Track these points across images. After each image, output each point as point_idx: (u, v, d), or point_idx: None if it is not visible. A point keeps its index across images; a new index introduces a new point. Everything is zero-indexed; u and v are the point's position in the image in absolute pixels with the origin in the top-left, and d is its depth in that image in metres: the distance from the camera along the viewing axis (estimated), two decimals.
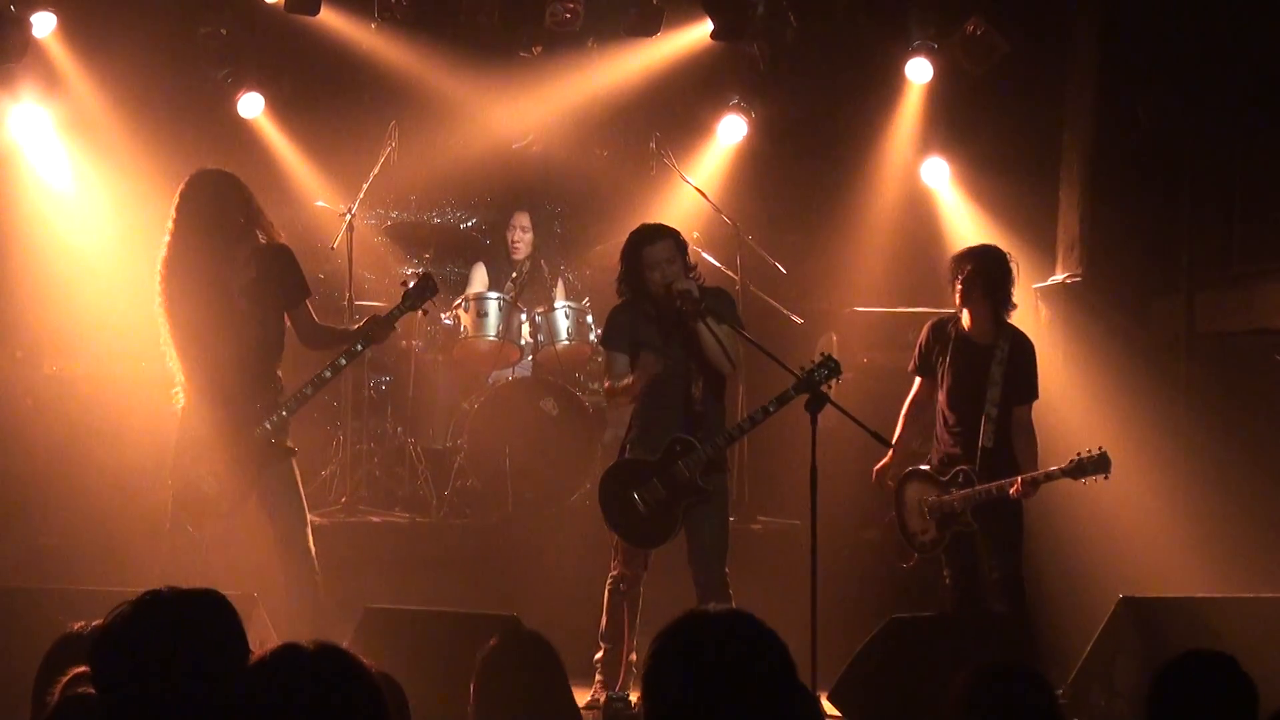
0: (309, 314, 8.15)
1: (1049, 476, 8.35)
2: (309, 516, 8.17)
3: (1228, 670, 4.18)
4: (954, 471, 8.54)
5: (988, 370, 8.54)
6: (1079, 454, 8.18)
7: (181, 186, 7.99)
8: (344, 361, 8.03)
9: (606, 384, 8.43)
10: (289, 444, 8.01)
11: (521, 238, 11.84)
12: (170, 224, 7.94)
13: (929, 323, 8.94)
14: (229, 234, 7.96)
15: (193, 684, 3.34)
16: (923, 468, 8.79)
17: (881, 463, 8.82)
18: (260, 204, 8.11)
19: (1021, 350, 8.66)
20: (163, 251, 7.94)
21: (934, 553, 8.69)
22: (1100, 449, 8.17)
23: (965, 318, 8.66)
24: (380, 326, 8.09)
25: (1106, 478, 8.23)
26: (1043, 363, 8.87)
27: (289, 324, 8.11)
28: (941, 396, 8.74)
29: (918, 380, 8.93)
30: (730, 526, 8.47)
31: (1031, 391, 8.68)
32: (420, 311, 8.35)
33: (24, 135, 10.46)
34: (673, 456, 8.03)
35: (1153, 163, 10.69)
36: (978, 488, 8.42)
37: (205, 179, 8.02)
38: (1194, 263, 10.64)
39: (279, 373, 8.09)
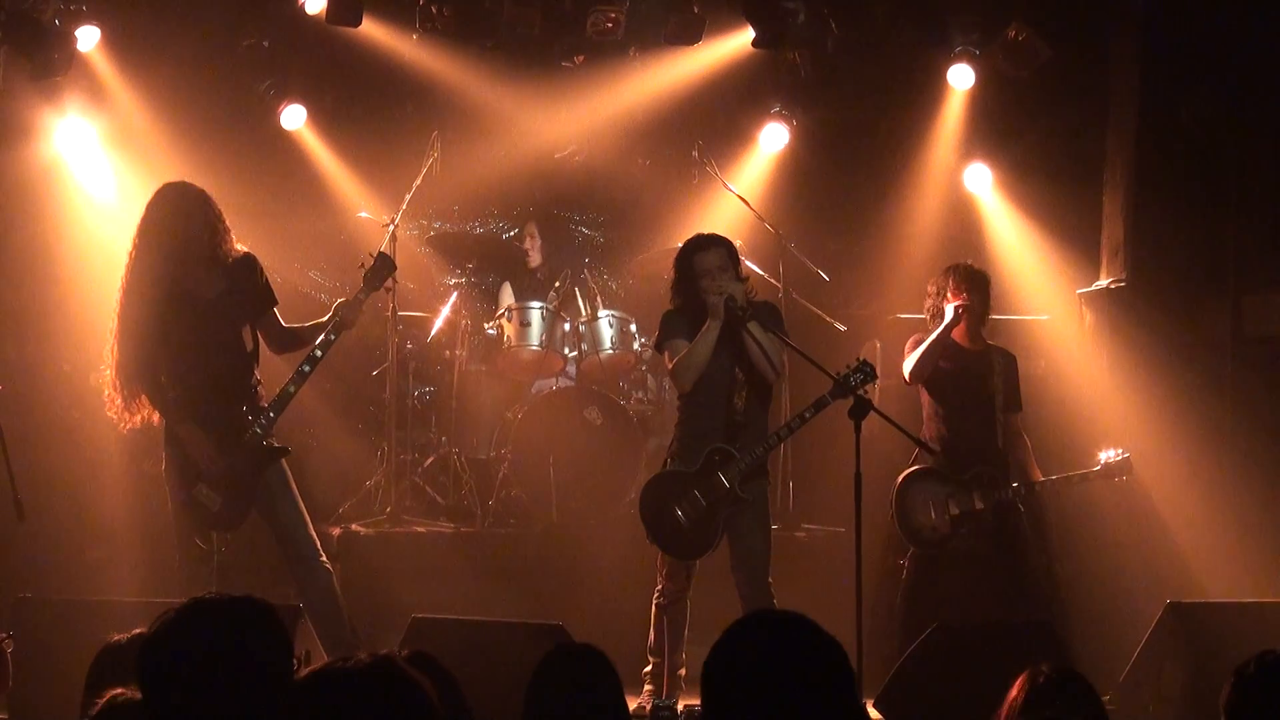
0: (277, 321, 8.21)
1: (1083, 478, 8.79)
2: (307, 514, 8.17)
3: None
4: (973, 472, 8.70)
5: (989, 379, 8.91)
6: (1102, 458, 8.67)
7: (148, 200, 7.99)
8: (320, 354, 8.02)
9: (671, 365, 8.20)
10: (278, 444, 8.05)
11: (533, 245, 12.01)
12: (134, 237, 7.95)
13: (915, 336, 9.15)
14: (195, 248, 7.93)
15: (238, 690, 3.34)
16: (931, 468, 8.92)
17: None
18: (223, 217, 8.04)
19: (1012, 364, 9.11)
20: (126, 261, 7.94)
21: (937, 550, 8.92)
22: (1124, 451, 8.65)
23: (960, 330, 8.94)
24: (350, 311, 8.09)
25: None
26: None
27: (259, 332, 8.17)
28: (942, 402, 8.99)
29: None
30: (775, 534, 8.47)
31: (1020, 402, 9.09)
32: (385, 289, 8.39)
33: (69, 148, 10.53)
34: (711, 467, 8.03)
35: (1197, 166, 10.63)
36: (1012, 486, 8.76)
37: (170, 193, 7.98)
38: (1240, 266, 10.57)
39: (258, 379, 8.12)
